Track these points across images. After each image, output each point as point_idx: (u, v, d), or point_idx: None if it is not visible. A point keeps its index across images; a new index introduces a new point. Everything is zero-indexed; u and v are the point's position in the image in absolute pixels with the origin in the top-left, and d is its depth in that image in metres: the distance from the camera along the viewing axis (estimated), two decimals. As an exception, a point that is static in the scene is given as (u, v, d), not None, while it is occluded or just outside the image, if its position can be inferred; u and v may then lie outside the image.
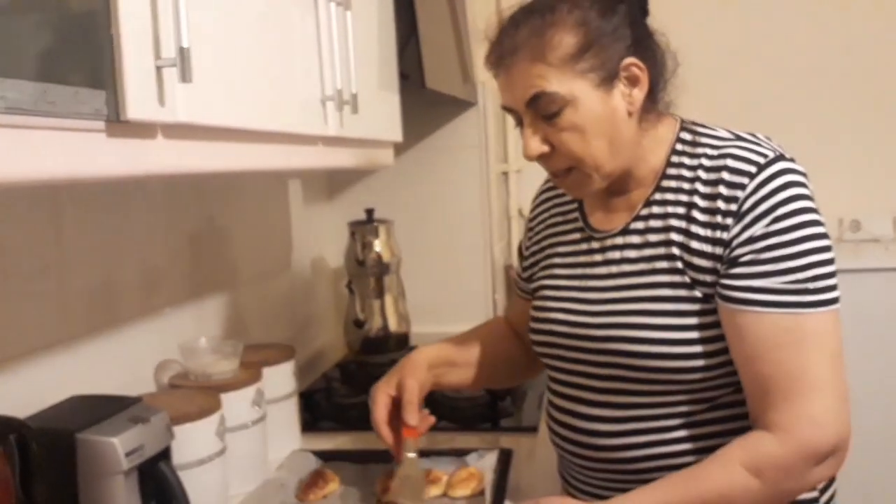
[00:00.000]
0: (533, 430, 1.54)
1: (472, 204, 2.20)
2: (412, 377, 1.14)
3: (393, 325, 1.93)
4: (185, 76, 0.75)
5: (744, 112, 2.65)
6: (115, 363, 1.26)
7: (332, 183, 2.24)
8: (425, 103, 2.05)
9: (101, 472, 0.93)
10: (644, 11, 1.05)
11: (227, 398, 1.24)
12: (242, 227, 1.72)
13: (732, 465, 0.94)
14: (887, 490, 2.47)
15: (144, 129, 0.75)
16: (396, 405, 1.13)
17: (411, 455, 1.11)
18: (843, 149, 2.79)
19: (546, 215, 1.22)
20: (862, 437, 0.98)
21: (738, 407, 1.02)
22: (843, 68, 2.80)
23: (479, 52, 2.20)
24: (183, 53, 0.74)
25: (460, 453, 1.33)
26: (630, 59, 1.00)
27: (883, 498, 2.45)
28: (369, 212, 1.96)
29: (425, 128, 2.19)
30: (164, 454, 1.01)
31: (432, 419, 1.18)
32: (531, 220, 1.26)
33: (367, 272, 1.93)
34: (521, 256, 1.28)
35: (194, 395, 1.23)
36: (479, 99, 2.18)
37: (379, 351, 1.92)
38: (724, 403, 1.02)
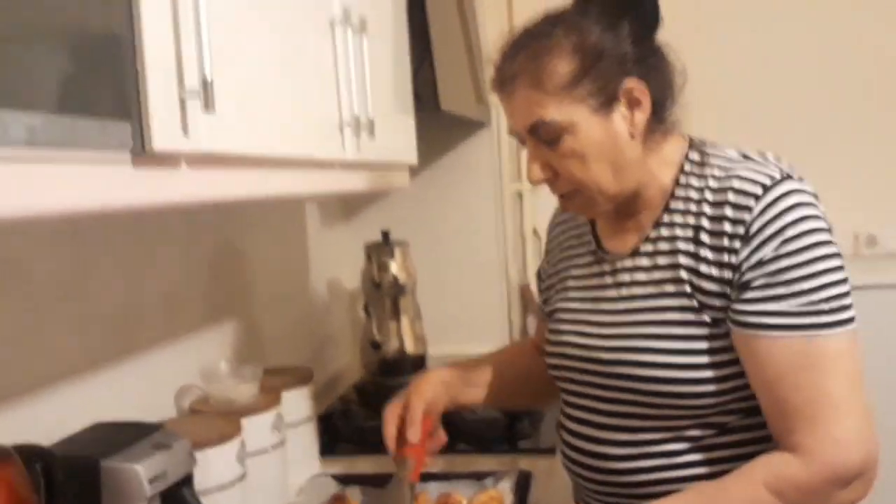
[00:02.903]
0: (551, 451, 1.54)
1: (486, 224, 2.21)
2: (418, 396, 1.16)
3: (409, 347, 1.93)
4: (209, 106, 0.76)
5: (756, 127, 2.65)
6: (136, 388, 1.27)
7: (348, 205, 2.25)
8: (439, 125, 2.06)
9: (125, 499, 0.93)
10: (651, 26, 1.02)
11: (247, 423, 1.24)
12: (259, 250, 1.73)
13: (755, 484, 0.93)
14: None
15: (169, 160, 0.76)
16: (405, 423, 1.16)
17: (402, 474, 1.14)
18: (857, 163, 2.78)
19: (562, 238, 1.22)
20: (883, 456, 0.97)
21: (749, 432, 1.01)
22: (857, 81, 2.80)
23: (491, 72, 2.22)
24: (206, 84, 0.75)
25: (479, 476, 1.33)
26: (631, 82, 0.99)
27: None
28: (385, 234, 1.96)
29: (439, 149, 2.19)
30: (187, 480, 1.02)
31: (442, 439, 1.19)
32: (548, 242, 1.27)
33: (383, 294, 1.93)
34: (540, 279, 1.28)
35: (215, 420, 1.23)
36: (492, 119, 2.19)
37: (396, 373, 1.92)
38: (733, 428, 1.01)
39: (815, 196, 0.98)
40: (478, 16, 2.11)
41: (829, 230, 0.97)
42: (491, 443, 1.58)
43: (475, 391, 1.24)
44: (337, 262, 2.17)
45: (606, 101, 0.99)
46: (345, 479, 1.37)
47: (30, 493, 0.83)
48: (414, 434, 1.13)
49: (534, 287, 2.31)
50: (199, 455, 1.07)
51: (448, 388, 1.20)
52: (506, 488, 1.27)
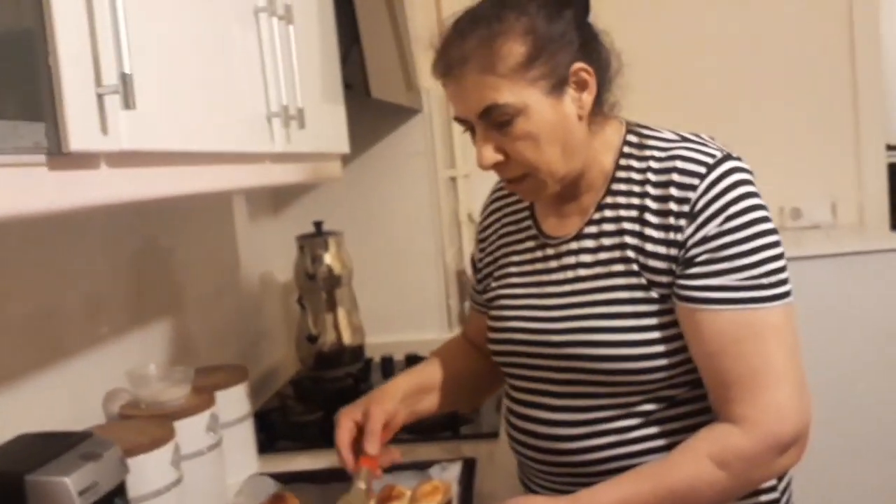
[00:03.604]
0: (493, 435, 1.54)
1: (421, 211, 2.19)
2: (379, 406, 1.13)
3: (347, 339, 1.91)
4: (129, 103, 0.72)
5: (681, 109, 2.70)
6: (61, 396, 1.22)
7: (278, 197, 2.21)
8: (370, 112, 2.03)
9: (54, 513, 0.89)
10: (586, 11, 1.05)
11: (180, 425, 1.21)
12: (186, 246, 1.68)
13: (699, 457, 0.95)
14: (837, 478, 2.53)
15: (87, 160, 0.73)
16: (361, 432, 1.12)
17: (361, 486, 1.09)
18: (781, 139, 2.86)
19: (497, 225, 1.22)
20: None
21: (696, 403, 1.04)
22: (778, 61, 2.88)
23: (422, 59, 2.20)
24: (125, 79, 0.72)
25: (422, 466, 1.32)
26: (578, 64, 1.00)
27: (834, 485, 2.52)
28: (318, 224, 1.93)
29: (371, 137, 2.17)
30: (120, 490, 0.98)
31: (396, 455, 1.16)
32: (482, 230, 1.26)
33: (318, 286, 1.90)
34: (475, 269, 1.27)
35: (146, 424, 1.19)
36: (424, 106, 2.17)
37: (333, 365, 1.90)
38: (682, 400, 1.04)
39: (752, 174, 1.01)
40: (406, 3, 2.08)
41: (766, 207, 1.00)
42: (433, 430, 1.57)
43: (430, 399, 1.23)
44: (268, 255, 2.12)
45: (558, 83, 0.99)
46: (284, 478, 1.34)
47: (-51, 515, 0.79)
48: (373, 446, 1.10)
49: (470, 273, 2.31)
50: (131, 462, 1.04)
51: (407, 401, 1.18)
52: (450, 477, 1.26)
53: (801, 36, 2.85)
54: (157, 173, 0.86)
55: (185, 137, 0.89)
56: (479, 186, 2.55)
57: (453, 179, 2.36)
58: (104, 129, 0.72)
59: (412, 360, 1.98)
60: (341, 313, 1.91)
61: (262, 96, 1.13)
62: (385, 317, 2.14)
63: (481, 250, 1.25)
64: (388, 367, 2.01)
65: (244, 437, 1.44)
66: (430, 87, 2.25)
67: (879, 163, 2.89)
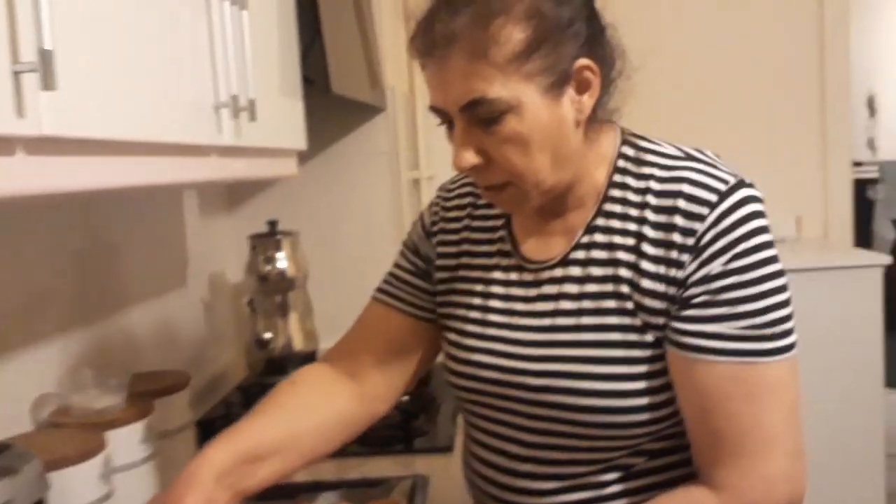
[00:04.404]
0: (448, 449, 1.48)
1: (383, 213, 2.12)
2: (186, 497, 0.87)
3: (298, 344, 1.83)
4: (48, 83, 0.64)
5: (644, 121, 2.66)
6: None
7: (232, 194, 2.12)
8: (331, 109, 1.96)
9: (-40, 536, 0.81)
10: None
11: (113, 435, 1.12)
12: (133, 243, 1.59)
13: None
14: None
15: (2, 145, 0.65)
16: None
17: None
18: (747, 153, 2.84)
19: (460, 226, 1.04)
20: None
21: (679, 453, 0.93)
22: (747, 76, 2.86)
23: (388, 56, 2.13)
24: (45, 56, 0.64)
25: (371, 483, 1.25)
26: (583, 61, 0.87)
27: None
28: (272, 224, 1.85)
29: (331, 135, 2.09)
30: (38, 508, 0.89)
31: None
32: (436, 221, 1.07)
33: (269, 288, 1.82)
34: (423, 261, 1.08)
35: (75, 434, 1.11)
36: (388, 104, 2.10)
37: (283, 371, 1.81)
38: (664, 452, 0.93)
39: (763, 202, 0.89)
40: (372, -3, 2.01)
41: (774, 244, 0.88)
42: (385, 442, 1.50)
43: (264, 467, 0.95)
44: (219, 254, 2.04)
45: (558, 80, 0.86)
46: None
47: None
48: None
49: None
50: (55, 475, 0.96)
51: (228, 481, 0.90)
52: (401, 494, 1.19)
53: (769, 52, 2.85)
54: (84, 163, 0.78)
55: (117, 124, 0.81)
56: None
57: (416, 182, 2.30)
58: (20, 112, 0.64)
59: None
60: (293, 318, 1.84)
61: (210, 84, 1.05)
62: (341, 322, 2.02)
63: (435, 245, 1.06)
64: (343, 374, 1.93)
65: (185, 447, 1.36)
66: (395, 86, 2.19)
67: (844, 179, 2.90)
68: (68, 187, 0.77)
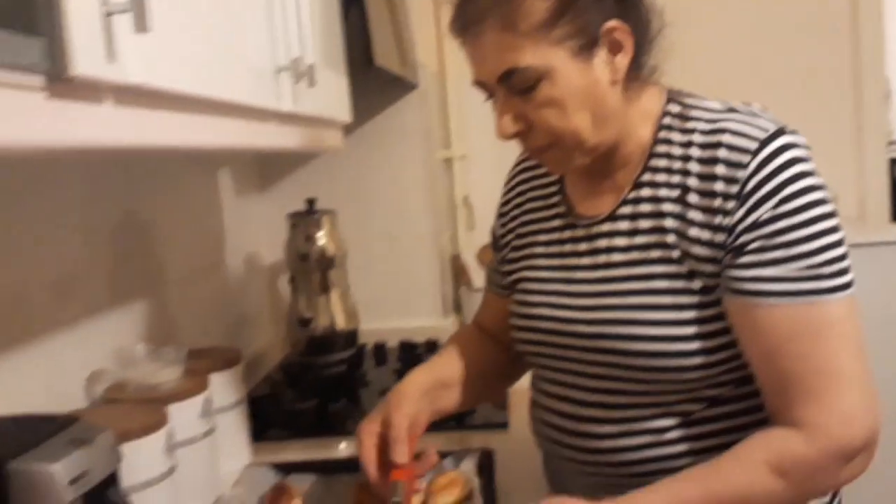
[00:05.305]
0: (503, 426, 1.45)
1: (417, 192, 2.09)
2: (399, 411, 1.00)
3: (340, 323, 1.80)
4: (141, 25, 0.62)
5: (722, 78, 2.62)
6: (34, 379, 1.09)
7: (265, 172, 2.09)
8: (364, 86, 1.92)
9: (39, 505, 0.79)
10: None
11: (173, 410, 1.10)
12: (169, 221, 1.56)
13: (754, 464, 0.86)
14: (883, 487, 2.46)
15: (91, 92, 0.62)
16: (386, 442, 0.99)
17: (396, 501, 0.97)
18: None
19: (522, 199, 1.11)
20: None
21: (740, 402, 0.94)
22: (781, 53, 2.82)
23: (418, 31, 2.10)
24: (137, -3, 0.61)
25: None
26: (612, 23, 0.89)
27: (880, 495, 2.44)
28: (311, 202, 1.82)
29: (364, 112, 2.05)
30: (113, 479, 0.87)
31: (433, 458, 1.05)
32: (504, 203, 1.15)
33: (310, 267, 1.79)
34: (496, 247, 1.17)
35: (136, 408, 1.08)
36: (420, 81, 2.07)
37: (325, 351, 1.79)
38: (724, 399, 0.94)
39: (810, 150, 0.91)
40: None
41: (825, 187, 0.90)
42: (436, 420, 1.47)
43: (450, 395, 1.10)
44: (254, 233, 2.01)
45: (587, 43, 0.89)
46: (286, 468, 1.24)
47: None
48: (401, 454, 0.97)
49: (467, 258, 2.22)
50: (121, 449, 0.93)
51: (429, 399, 1.05)
52: (469, 469, 1.17)
53: (803, 28, 2.80)
54: (161, 118, 0.75)
55: (196, 79, 0.79)
56: (475, 169, 2.47)
57: (448, 161, 2.27)
58: (111, 56, 0.62)
59: (406, 347, 1.89)
60: (335, 296, 1.81)
61: (271, 46, 1.03)
62: (377, 302, 2.03)
63: (503, 225, 1.14)
64: (381, 355, 1.91)
65: (237, 424, 1.33)
66: (427, 64, 2.15)
67: (880, 156, 2.86)
68: (146, 142, 0.75)
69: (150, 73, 0.68)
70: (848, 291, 0.88)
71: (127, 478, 0.94)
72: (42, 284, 1.14)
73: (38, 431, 0.84)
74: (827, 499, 1.01)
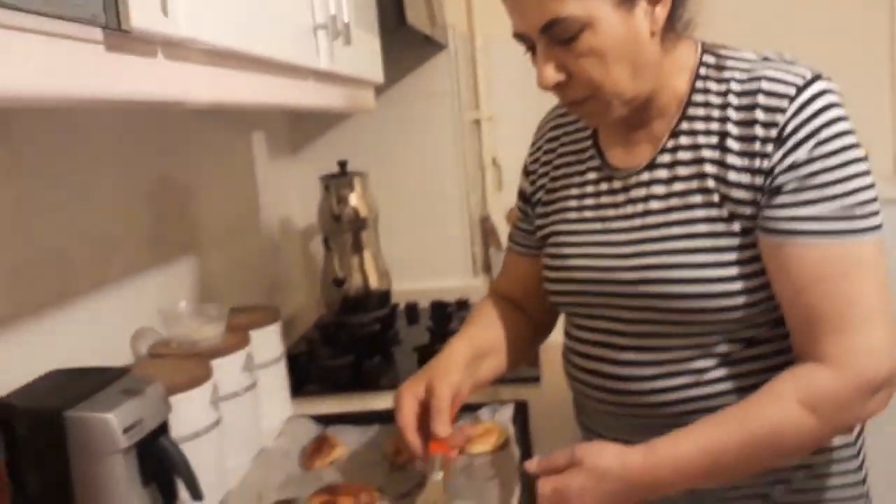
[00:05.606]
0: (535, 380, 1.47)
1: (446, 153, 2.09)
2: (444, 380, 0.98)
3: (374, 283, 1.83)
4: (192, -22, 0.63)
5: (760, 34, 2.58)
6: (79, 337, 1.12)
7: (296, 135, 2.11)
8: (393, 47, 1.92)
9: (97, 452, 0.82)
10: None
11: (216, 365, 1.13)
12: (204, 184, 1.58)
13: (785, 400, 0.88)
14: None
15: (145, 46, 0.64)
16: (426, 410, 0.98)
17: (437, 478, 0.94)
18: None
19: (552, 156, 1.12)
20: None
21: (776, 342, 0.96)
22: (814, 9, 2.77)
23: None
24: (187, -49, 0.63)
25: (471, 408, 1.24)
26: None
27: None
28: (342, 164, 1.83)
29: (392, 74, 2.05)
30: (163, 428, 0.90)
31: (470, 432, 1.06)
32: (532, 162, 1.16)
33: (343, 228, 1.81)
34: (524, 204, 1.17)
35: (181, 363, 1.11)
36: (449, 42, 2.06)
37: (359, 310, 1.82)
38: (761, 340, 0.96)
39: (842, 97, 0.92)
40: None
41: (854, 132, 0.92)
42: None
43: (487, 365, 1.09)
44: (287, 196, 2.03)
45: None
46: (326, 420, 1.27)
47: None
48: (445, 427, 0.95)
49: (496, 218, 2.22)
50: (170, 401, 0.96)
51: (470, 370, 1.04)
52: (504, 419, 1.19)
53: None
54: (205, 73, 0.77)
55: (240, 35, 0.80)
56: (503, 130, 2.46)
57: (477, 122, 2.26)
58: (164, 10, 0.63)
59: (437, 307, 1.90)
60: (367, 257, 1.83)
61: (309, 3, 1.03)
62: (408, 262, 2.05)
63: (532, 183, 1.14)
64: (413, 315, 1.93)
65: (278, 379, 1.36)
66: (455, 24, 2.14)
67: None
68: (192, 97, 0.76)
69: (198, 28, 0.69)
70: (878, 233, 0.90)
71: (175, 429, 0.97)
72: (83, 244, 1.16)
73: (92, 383, 0.87)
74: (852, 437, 1.02)
